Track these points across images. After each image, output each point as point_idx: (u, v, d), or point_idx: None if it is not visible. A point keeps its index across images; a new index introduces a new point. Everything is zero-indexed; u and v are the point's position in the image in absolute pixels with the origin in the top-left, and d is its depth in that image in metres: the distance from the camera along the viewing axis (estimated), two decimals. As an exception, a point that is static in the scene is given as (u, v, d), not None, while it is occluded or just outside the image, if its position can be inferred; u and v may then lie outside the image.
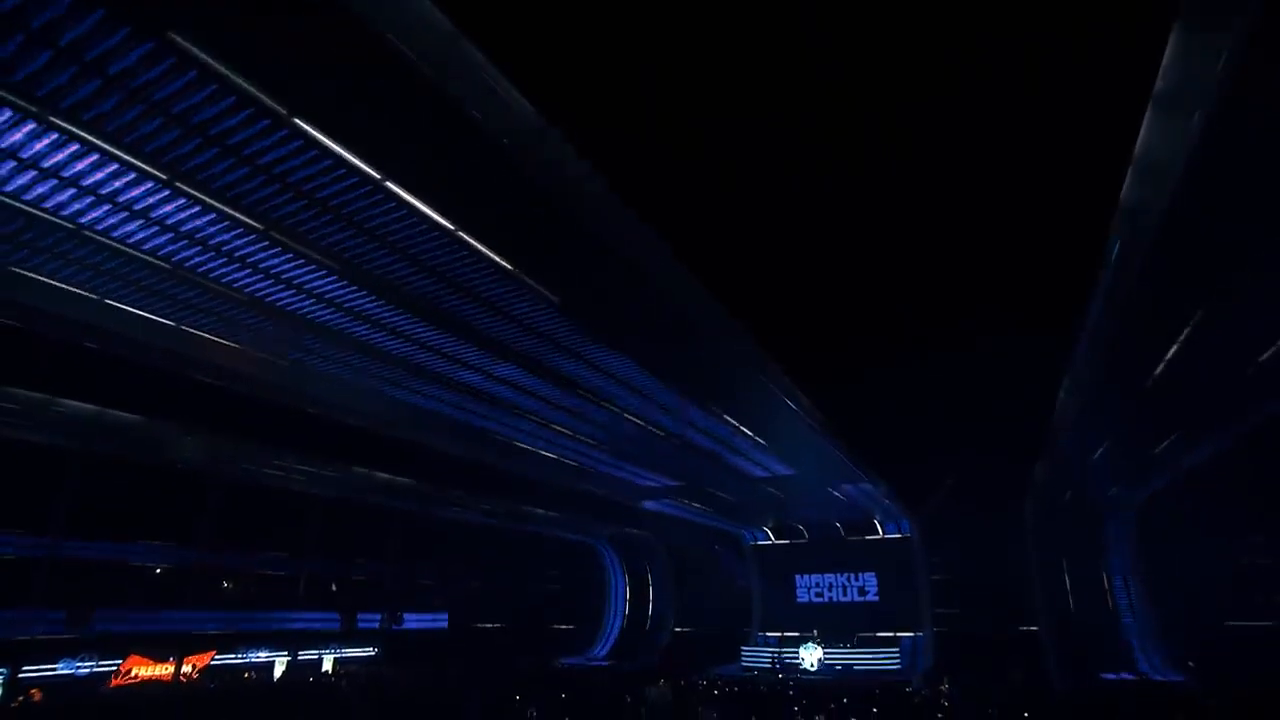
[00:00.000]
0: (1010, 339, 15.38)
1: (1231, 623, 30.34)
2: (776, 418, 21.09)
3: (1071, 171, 9.99)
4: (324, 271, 12.06)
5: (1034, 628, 33.77)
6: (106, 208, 10.01)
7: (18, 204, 9.78)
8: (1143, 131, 8.81)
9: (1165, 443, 23.56)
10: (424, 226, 10.73)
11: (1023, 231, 11.38)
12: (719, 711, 20.14)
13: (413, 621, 41.39)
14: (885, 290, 14.20)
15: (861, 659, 35.06)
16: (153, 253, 11.12)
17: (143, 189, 9.70)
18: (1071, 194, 10.29)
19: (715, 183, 10.42)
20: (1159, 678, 27.41)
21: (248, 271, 11.99)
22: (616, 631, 46.29)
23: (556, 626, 47.48)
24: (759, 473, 29.04)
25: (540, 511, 37.39)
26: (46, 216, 10.09)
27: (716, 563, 45.04)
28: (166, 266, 11.45)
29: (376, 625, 39.37)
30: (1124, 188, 9.68)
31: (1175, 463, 26.67)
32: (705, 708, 20.88)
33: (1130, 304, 13.06)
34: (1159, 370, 16.41)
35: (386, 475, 28.80)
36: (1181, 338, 14.53)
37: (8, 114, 8.36)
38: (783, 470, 28.34)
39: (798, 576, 41.38)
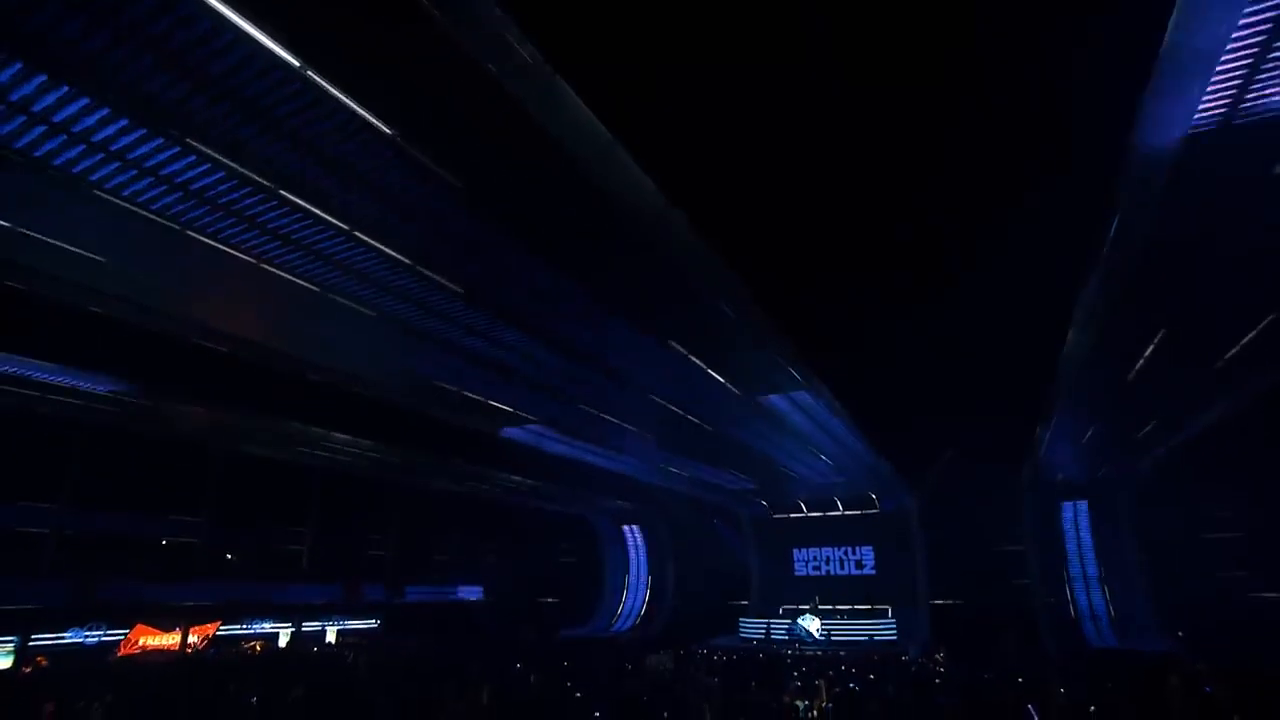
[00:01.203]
0: (1014, 299, 15.37)
1: (1218, 594, 31.09)
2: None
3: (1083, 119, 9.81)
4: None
5: (1028, 600, 34.43)
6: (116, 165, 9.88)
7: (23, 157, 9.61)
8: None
9: (1155, 422, 24.05)
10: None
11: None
12: (720, 678, 20.56)
13: (414, 594, 41.94)
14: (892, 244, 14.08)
15: (859, 629, 35.65)
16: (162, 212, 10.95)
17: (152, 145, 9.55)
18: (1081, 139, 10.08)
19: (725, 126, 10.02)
20: (1149, 647, 27.97)
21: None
22: (616, 605, 46.81)
23: (556, 600, 48.02)
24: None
25: (540, 485, 37.55)
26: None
27: (716, 537, 45.48)
28: (175, 226, 11.30)
29: (380, 598, 39.86)
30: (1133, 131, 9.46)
31: (1168, 438, 27.13)
32: (706, 675, 21.30)
33: (1130, 269, 13.15)
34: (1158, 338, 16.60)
35: (389, 448, 28.68)
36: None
37: (18, 67, 8.26)
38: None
39: (795, 550, 41.91)
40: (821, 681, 17.71)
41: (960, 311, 16.60)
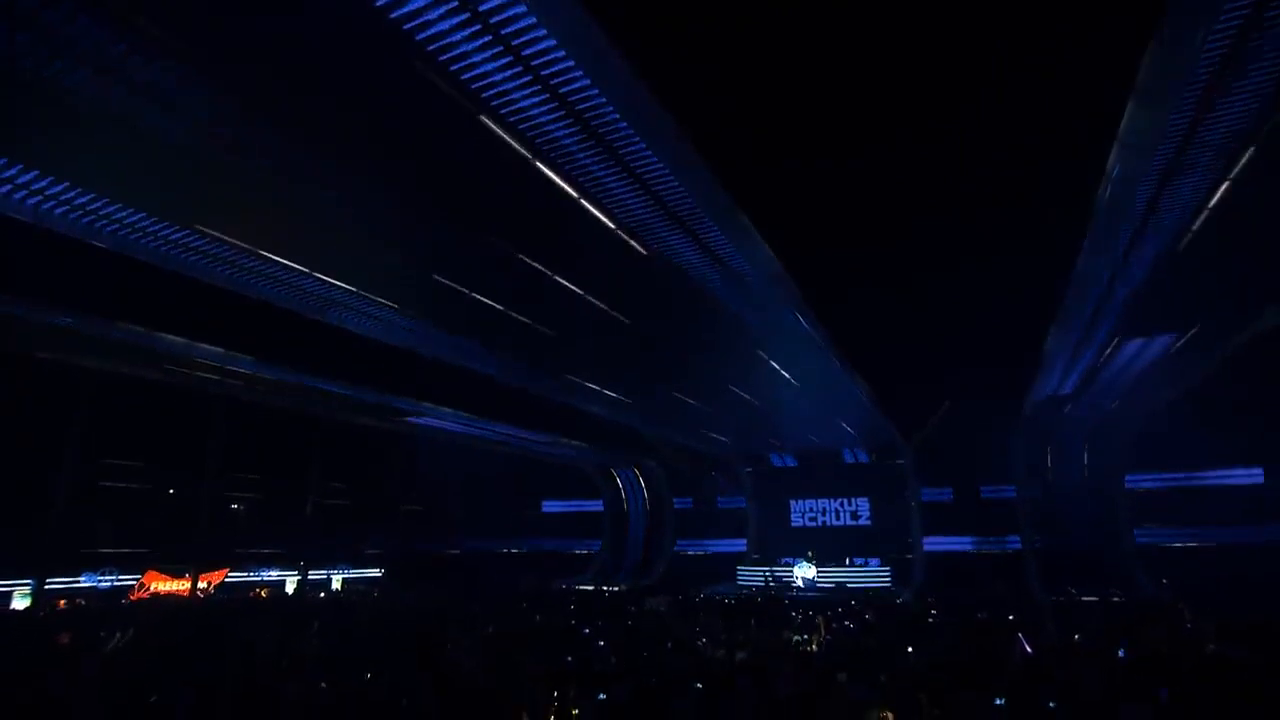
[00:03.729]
0: (1010, 246, 15.25)
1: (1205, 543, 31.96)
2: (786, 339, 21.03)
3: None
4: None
5: (1019, 549, 35.31)
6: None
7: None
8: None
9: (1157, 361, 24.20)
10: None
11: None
12: (722, 620, 21.19)
13: (419, 544, 42.84)
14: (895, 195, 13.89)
15: (854, 576, 36.61)
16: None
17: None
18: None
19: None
20: (1135, 595, 28.80)
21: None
22: (615, 554, 47.73)
23: (555, 551, 48.93)
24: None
25: (539, 438, 37.92)
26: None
27: (714, 487, 46.12)
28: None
29: (381, 549, 40.71)
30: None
31: (1157, 393, 27.53)
32: (709, 616, 21.92)
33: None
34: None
35: (395, 396, 28.70)
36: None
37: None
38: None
39: (792, 501, 42.68)
40: (820, 619, 18.28)
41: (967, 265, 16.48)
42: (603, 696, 9.25)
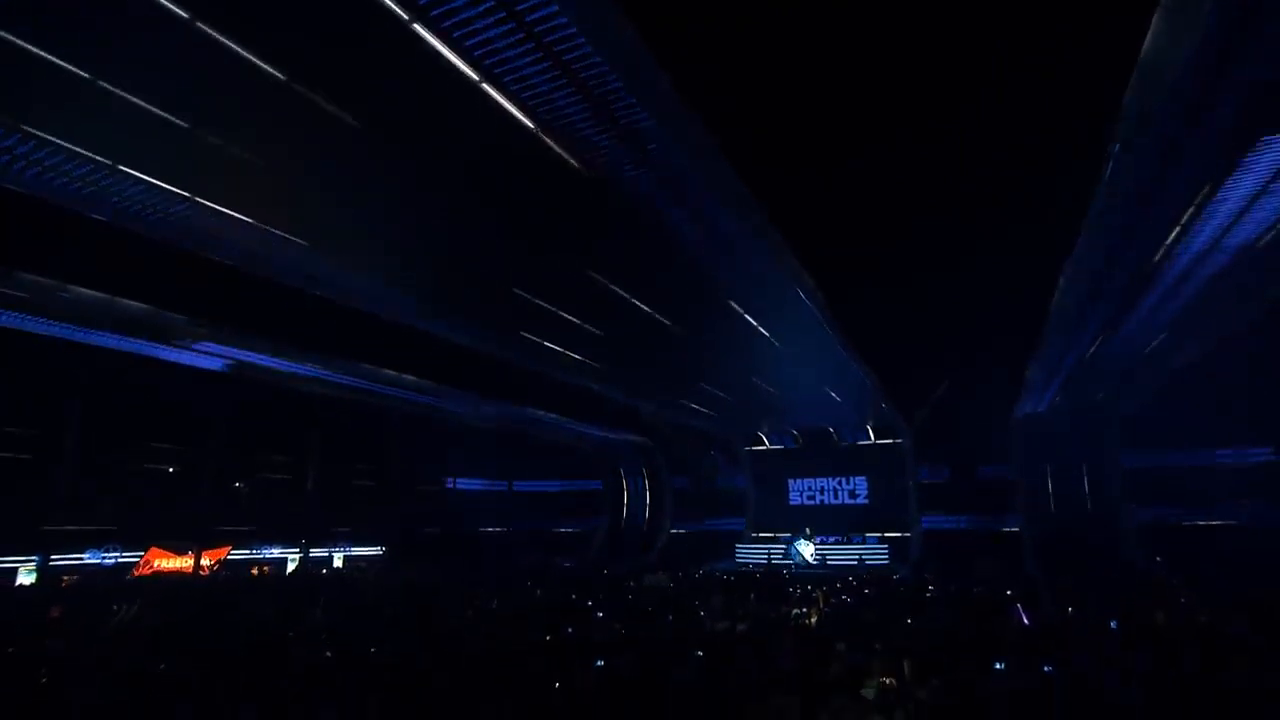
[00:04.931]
0: (1011, 228, 15.20)
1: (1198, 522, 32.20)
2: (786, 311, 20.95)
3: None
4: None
5: (1015, 529, 35.67)
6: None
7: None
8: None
9: (1152, 345, 24.29)
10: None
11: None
12: (722, 595, 21.42)
13: (422, 523, 43.11)
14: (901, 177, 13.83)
15: (852, 553, 36.98)
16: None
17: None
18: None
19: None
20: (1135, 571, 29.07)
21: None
22: (616, 533, 48.11)
23: (558, 530, 49.28)
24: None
25: (542, 414, 37.98)
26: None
27: (713, 467, 46.36)
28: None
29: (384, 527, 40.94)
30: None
31: (1159, 368, 27.59)
32: (709, 591, 22.16)
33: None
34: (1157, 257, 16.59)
35: (396, 373, 28.60)
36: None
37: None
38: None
39: (790, 480, 42.96)
40: (819, 593, 18.49)
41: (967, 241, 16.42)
42: (601, 663, 9.37)
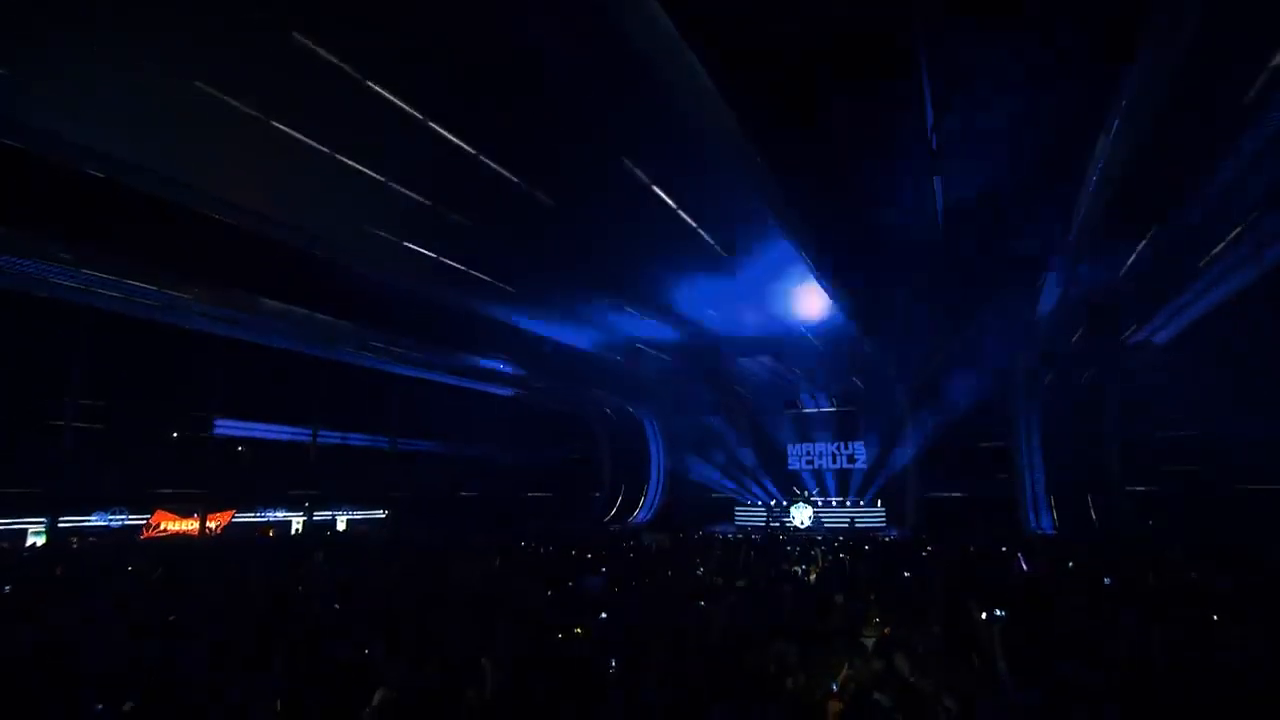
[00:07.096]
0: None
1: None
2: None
3: None
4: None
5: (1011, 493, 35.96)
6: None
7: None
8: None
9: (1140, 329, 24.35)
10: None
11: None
12: (721, 552, 21.76)
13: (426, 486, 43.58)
14: None
15: (850, 516, 37.46)
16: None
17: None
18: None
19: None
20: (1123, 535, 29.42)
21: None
22: (612, 496, 48.54)
23: (553, 495, 49.70)
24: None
25: (540, 384, 38.07)
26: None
27: (711, 432, 46.51)
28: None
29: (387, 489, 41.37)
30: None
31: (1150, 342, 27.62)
32: (708, 549, 22.48)
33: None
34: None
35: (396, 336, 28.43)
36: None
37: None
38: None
39: (789, 445, 43.26)
40: (817, 552, 18.74)
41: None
42: (604, 616, 9.53)
